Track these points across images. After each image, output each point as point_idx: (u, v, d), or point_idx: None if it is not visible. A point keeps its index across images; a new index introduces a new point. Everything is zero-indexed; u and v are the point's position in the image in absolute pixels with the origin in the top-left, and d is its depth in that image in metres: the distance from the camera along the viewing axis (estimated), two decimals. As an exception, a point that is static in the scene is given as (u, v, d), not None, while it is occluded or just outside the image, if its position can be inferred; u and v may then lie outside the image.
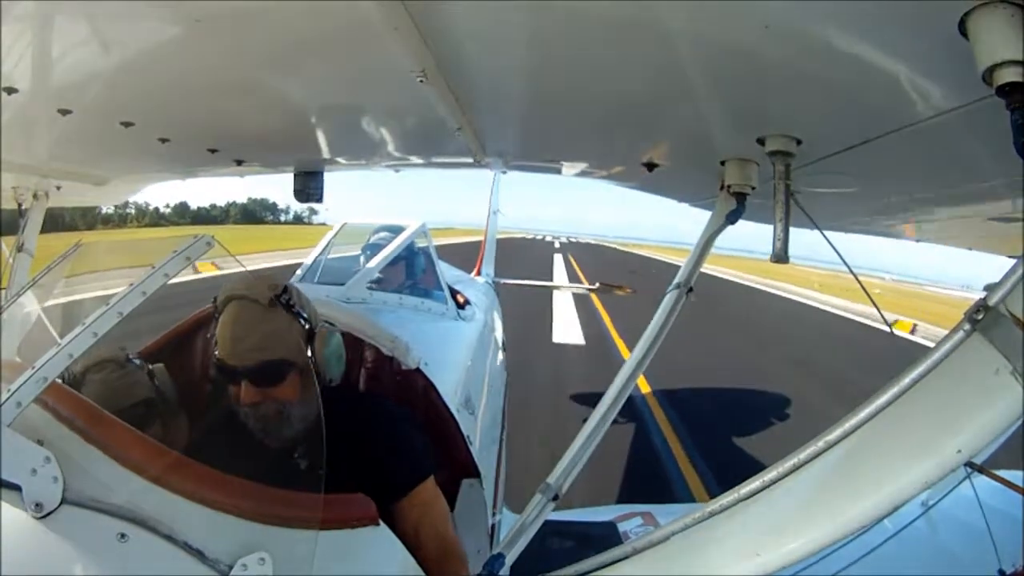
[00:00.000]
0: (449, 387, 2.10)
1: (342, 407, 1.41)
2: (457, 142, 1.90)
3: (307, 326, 1.40)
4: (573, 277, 24.30)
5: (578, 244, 65.02)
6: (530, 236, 75.07)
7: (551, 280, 18.30)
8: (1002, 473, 2.25)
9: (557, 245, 53.21)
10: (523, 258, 30.21)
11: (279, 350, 1.33)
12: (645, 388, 7.97)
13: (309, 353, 1.39)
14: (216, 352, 1.34)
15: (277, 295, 1.37)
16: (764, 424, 7.58)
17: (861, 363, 9.27)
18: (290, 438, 1.35)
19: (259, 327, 1.33)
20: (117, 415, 1.36)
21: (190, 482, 0.99)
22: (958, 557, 2.25)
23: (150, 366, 1.59)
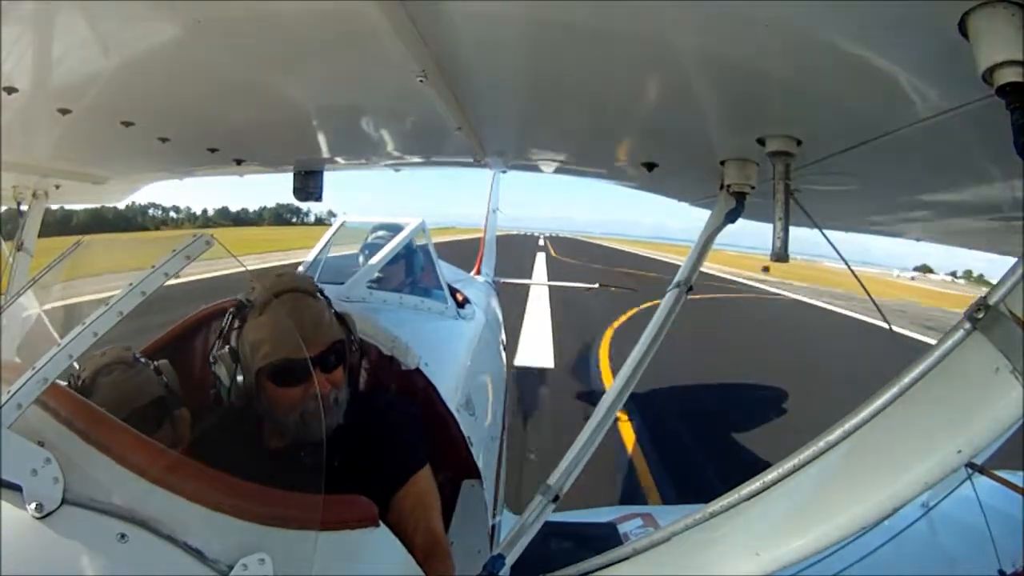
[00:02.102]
0: (449, 387, 2.10)
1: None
2: (457, 142, 1.90)
3: (335, 311, 1.46)
4: (549, 256, 39.24)
5: (558, 238, 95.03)
6: (523, 233, 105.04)
7: (538, 272, 24.38)
8: (1002, 473, 2.25)
9: (541, 238, 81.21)
10: (518, 244, 49.12)
11: (335, 332, 1.38)
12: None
13: (351, 335, 1.45)
14: (276, 352, 1.28)
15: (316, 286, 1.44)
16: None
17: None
18: (330, 428, 1.30)
19: (317, 313, 1.37)
20: (131, 416, 1.38)
21: (190, 483, 0.99)
22: (958, 558, 2.25)
23: (155, 363, 1.58)
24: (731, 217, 1.67)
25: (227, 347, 1.33)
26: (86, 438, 0.98)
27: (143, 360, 1.57)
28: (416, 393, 1.85)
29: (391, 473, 1.36)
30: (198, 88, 1.44)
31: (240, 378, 1.31)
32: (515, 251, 33.23)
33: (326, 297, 1.46)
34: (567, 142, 2.00)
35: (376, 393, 1.66)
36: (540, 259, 34.42)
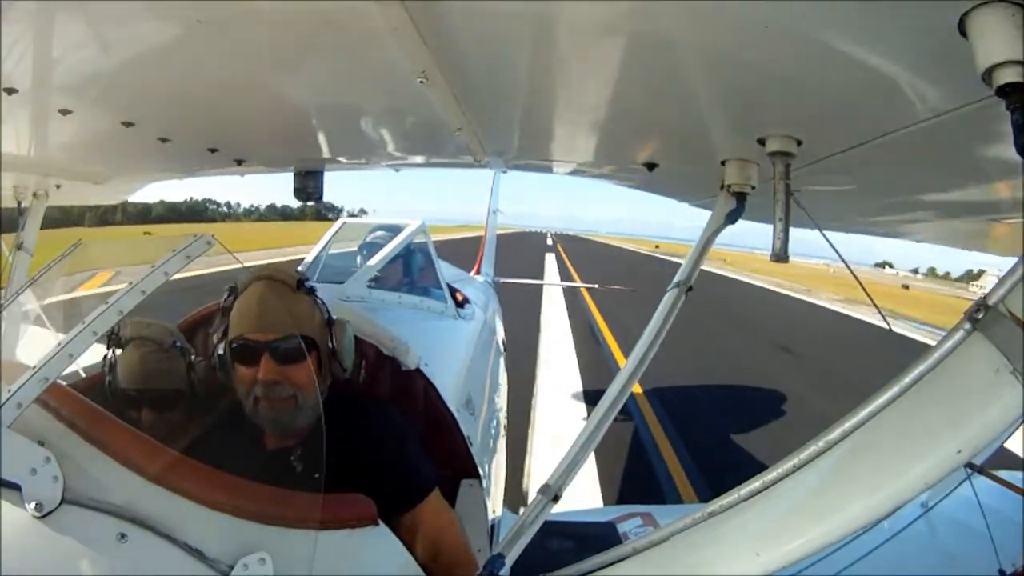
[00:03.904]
0: (449, 387, 2.10)
1: (346, 411, 1.41)
2: (457, 142, 1.89)
3: (326, 315, 1.44)
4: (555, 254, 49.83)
5: (563, 235, 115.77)
6: (532, 230, 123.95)
7: (545, 272, 28.30)
8: (1002, 473, 2.25)
9: (548, 234, 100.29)
10: (528, 240, 63.96)
11: (304, 327, 1.36)
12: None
13: (330, 340, 1.43)
14: (236, 329, 1.33)
15: (302, 280, 1.42)
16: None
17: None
18: (296, 429, 1.33)
19: (286, 303, 1.36)
20: (138, 395, 1.43)
21: (190, 482, 0.99)
22: (957, 558, 2.25)
23: (193, 357, 1.57)
24: (731, 217, 1.66)
25: (221, 326, 1.39)
26: (86, 437, 0.98)
27: (181, 347, 1.56)
28: (416, 393, 1.85)
29: (399, 499, 1.35)
30: (198, 88, 1.44)
31: (220, 352, 1.37)
32: (530, 240, 61.77)
33: (316, 297, 1.44)
34: (567, 142, 2.00)
35: (386, 411, 1.58)
36: (548, 238, 65.33)
